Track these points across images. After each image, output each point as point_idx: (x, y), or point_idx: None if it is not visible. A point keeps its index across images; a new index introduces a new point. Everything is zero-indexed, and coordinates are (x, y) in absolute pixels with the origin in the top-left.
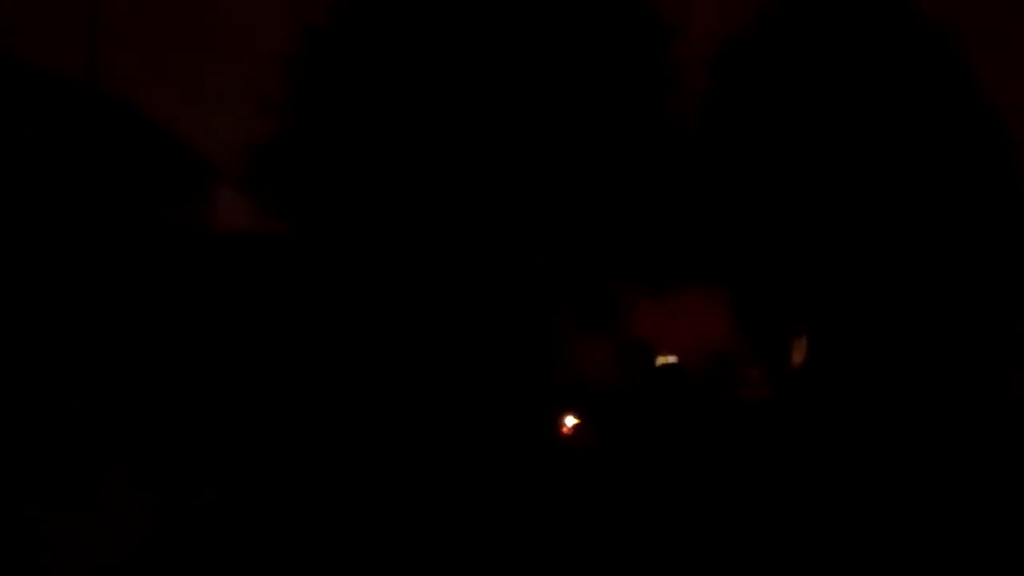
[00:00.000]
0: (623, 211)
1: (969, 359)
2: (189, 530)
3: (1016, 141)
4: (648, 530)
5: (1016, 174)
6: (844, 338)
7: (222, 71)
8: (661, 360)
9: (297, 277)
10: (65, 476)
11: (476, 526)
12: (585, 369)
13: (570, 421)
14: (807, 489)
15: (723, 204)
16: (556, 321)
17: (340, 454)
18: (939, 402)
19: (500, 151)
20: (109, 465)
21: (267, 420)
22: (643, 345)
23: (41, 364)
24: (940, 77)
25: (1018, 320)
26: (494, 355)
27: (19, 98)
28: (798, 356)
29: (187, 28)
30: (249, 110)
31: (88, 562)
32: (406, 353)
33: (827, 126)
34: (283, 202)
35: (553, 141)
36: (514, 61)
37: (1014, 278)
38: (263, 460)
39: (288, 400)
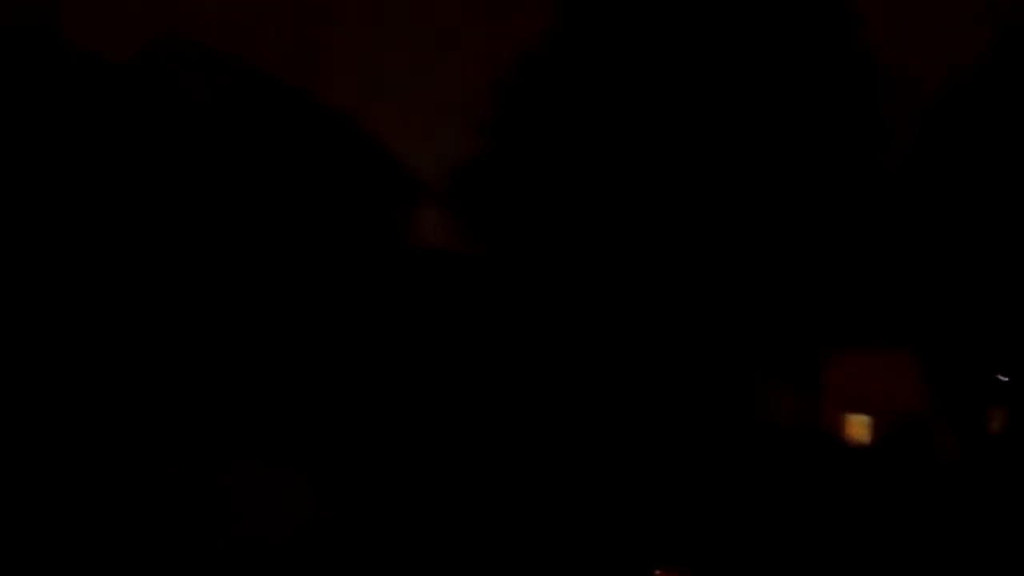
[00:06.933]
0: (829, 264)
1: None
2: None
3: None
4: None
5: None
6: None
7: (437, 89)
8: (853, 420)
9: (491, 297)
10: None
11: None
12: (777, 419)
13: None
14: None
15: (925, 263)
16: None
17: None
18: None
19: (706, 190)
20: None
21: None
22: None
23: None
24: None
25: None
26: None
27: (242, 102)
28: (996, 424)
29: (407, 44)
30: (460, 130)
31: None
32: (592, 382)
33: None
34: (481, 222)
35: (760, 189)
36: (727, 106)
37: None
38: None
39: (476, 414)
